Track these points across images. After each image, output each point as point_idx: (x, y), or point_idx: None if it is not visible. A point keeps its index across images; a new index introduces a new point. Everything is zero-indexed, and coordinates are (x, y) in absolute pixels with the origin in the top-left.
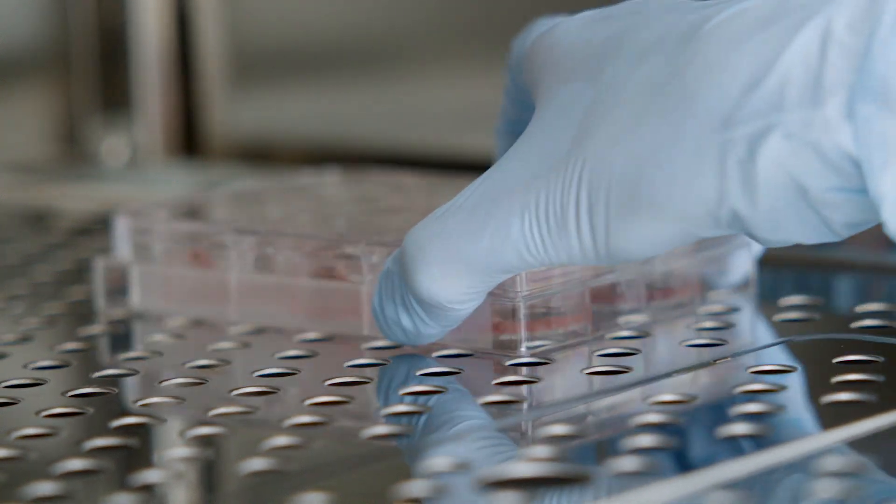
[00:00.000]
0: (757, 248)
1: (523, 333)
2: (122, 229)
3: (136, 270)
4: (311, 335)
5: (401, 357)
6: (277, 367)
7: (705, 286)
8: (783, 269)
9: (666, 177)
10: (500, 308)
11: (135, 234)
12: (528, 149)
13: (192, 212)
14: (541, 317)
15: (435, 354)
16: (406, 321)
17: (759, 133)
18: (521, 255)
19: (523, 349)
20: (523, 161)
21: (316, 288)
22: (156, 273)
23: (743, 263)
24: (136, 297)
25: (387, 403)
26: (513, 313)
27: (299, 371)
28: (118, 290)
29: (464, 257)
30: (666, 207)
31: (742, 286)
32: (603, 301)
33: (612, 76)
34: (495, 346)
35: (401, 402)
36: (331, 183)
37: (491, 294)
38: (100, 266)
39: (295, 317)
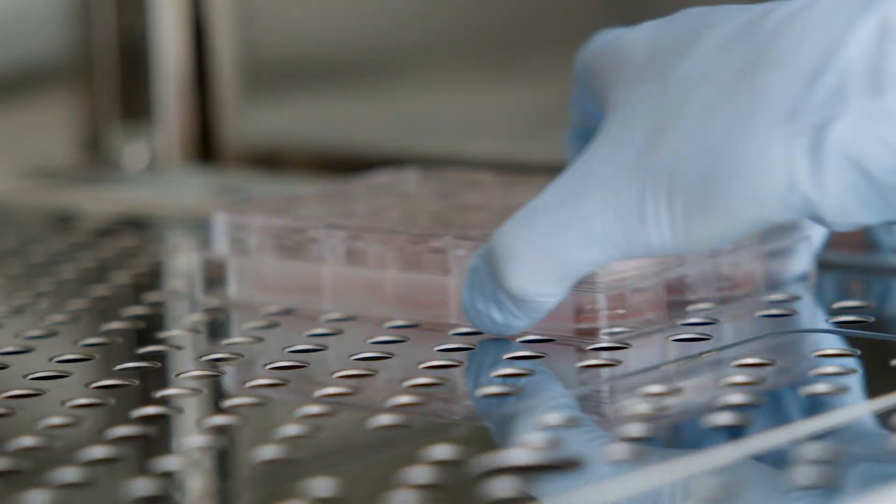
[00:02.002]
0: (817, 242)
1: (603, 322)
2: (220, 225)
3: (233, 263)
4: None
5: (486, 342)
6: (288, 361)
7: (769, 278)
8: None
9: (739, 167)
10: (581, 298)
11: (232, 229)
12: (605, 149)
13: (284, 208)
14: (619, 306)
15: (519, 340)
16: (496, 314)
17: (824, 122)
18: (604, 249)
19: (603, 337)
20: (602, 160)
21: (405, 280)
22: (251, 265)
23: (804, 257)
24: (233, 289)
25: (477, 385)
26: (593, 303)
27: (389, 356)
28: (215, 281)
29: (551, 254)
30: (741, 196)
31: (803, 278)
32: (674, 292)
33: (680, 75)
34: (576, 334)
35: (491, 383)
36: (411, 180)
37: (573, 285)
38: (199, 259)
39: (384, 308)
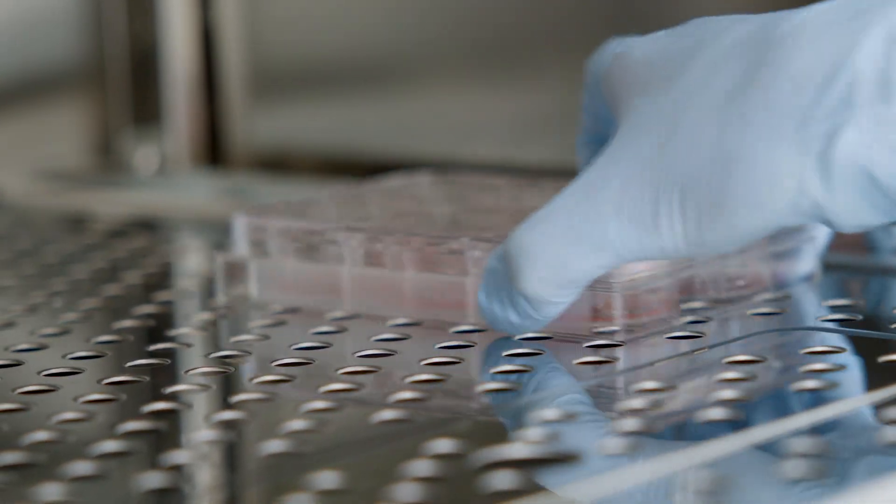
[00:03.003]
0: (821, 243)
1: (619, 321)
2: (240, 227)
3: (254, 264)
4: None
5: (486, 340)
6: (294, 358)
7: (775, 278)
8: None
9: (750, 173)
10: (597, 299)
11: (252, 232)
12: (617, 155)
13: (302, 211)
14: (634, 306)
15: (518, 337)
16: (512, 314)
17: (834, 129)
18: (617, 252)
19: (619, 336)
20: (614, 166)
21: (423, 281)
22: (271, 267)
23: (809, 257)
24: (254, 289)
25: (483, 380)
26: (609, 303)
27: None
28: (236, 281)
29: (565, 257)
30: (752, 202)
31: (808, 278)
32: (686, 292)
33: (690, 83)
34: (594, 333)
35: (493, 380)
36: (424, 184)
37: (588, 286)
38: (220, 260)
39: (403, 308)
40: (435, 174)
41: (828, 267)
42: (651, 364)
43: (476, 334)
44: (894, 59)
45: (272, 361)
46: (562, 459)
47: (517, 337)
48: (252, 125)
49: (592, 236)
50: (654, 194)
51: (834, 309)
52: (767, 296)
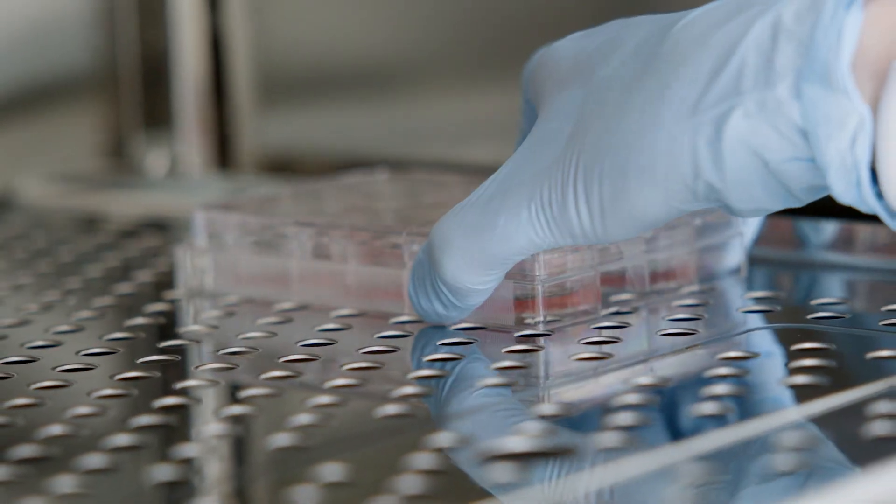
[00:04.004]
0: (748, 238)
1: (541, 312)
2: (200, 222)
3: (211, 257)
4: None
5: (425, 329)
6: (300, 354)
7: (702, 272)
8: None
9: (648, 161)
10: (520, 290)
11: (210, 226)
12: (532, 147)
13: (261, 207)
14: (556, 297)
15: (454, 328)
16: (437, 304)
17: (723, 114)
18: (530, 238)
19: (541, 326)
20: (529, 158)
21: (364, 273)
22: (228, 260)
23: (736, 252)
24: (210, 281)
25: (416, 367)
26: (532, 294)
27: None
28: (196, 274)
29: (482, 244)
30: (650, 187)
31: (735, 271)
32: (611, 284)
33: (600, 79)
34: (516, 323)
35: (426, 367)
36: (379, 181)
37: (513, 278)
38: (180, 253)
39: (347, 299)
40: (391, 171)
41: (757, 261)
42: (569, 357)
43: (413, 325)
44: (779, 47)
45: (279, 357)
46: (558, 453)
47: (452, 326)
48: (260, 129)
49: (507, 223)
50: (563, 183)
51: (758, 300)
52: (693, 288)
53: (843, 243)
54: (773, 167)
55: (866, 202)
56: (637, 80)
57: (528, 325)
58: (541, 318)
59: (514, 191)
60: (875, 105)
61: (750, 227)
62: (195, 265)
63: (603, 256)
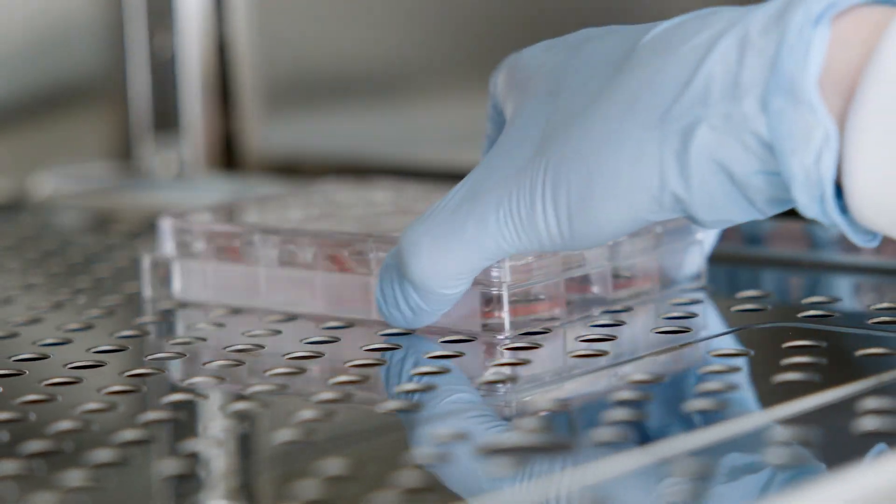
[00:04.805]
0: (708, 246)
1: (507, 317)
2: (166, 229)
3: (178, 265)
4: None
5: (410, 340)
6: (304, 352)
7: (663, 278)
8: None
9: (614, 170)
10: (487, 296)
11: (177, 234)
12: (501, 154)
13: (227, 214)
14: (522, 303)
15: (440, 340)
16: (404, 307)
17: (690, 126)
18: (498, 244)
19: (507, 331)
20: (497, 164)
21: (332, 280)
22: (195, 267)
23: (696, 259)
24: (178, 288)
25: (399, 382)
26: (498, 300)
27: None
28: (163, 281)
29: (450, 248)
30: (616, 196)
31: (694, 279)
32: (576, 290)
33: (569, 87)
34: (483, 329)
35: (409, 380)
36: (343, 189)
37: (479, 284)
38: (146, 261)
39: (314, 304)
40: (355, 180)
41: (748, 260)
42: (529, 362)
43: (402, 337)
44: (745, 62)
45: (284, 355)
46: (553, 449)
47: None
48: (265, 132)
49: (475, 228)
50: (531, 190)
51: (748, 300)
52: (656, 294)
53: (841, 243)
54: (738, 180)
55: (829, 216)
56: (605, 90)
57: (494, 330)
58: (506, 324)
59: (483, 196)
60: (841, 120)
61: (710, 235)
62: (160, 273)
63: (566, 261)
